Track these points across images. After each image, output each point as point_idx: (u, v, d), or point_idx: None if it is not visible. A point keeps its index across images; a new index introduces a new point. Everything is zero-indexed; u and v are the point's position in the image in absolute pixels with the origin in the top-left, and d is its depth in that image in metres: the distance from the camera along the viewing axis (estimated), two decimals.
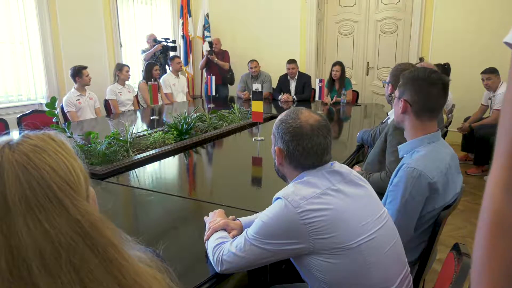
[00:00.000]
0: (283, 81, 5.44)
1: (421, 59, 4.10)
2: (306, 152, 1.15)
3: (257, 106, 2.60)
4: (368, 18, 6.02)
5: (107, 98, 4.60)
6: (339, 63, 5.08)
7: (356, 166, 2.27)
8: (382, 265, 1.11)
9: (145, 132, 2.94)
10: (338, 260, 1.06)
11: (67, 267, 0.50)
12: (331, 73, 5.11)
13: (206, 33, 6.50)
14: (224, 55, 6.04)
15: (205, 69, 6.21)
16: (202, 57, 6.67)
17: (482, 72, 4.38)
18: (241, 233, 1.19)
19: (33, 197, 0.51)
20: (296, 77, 5.37)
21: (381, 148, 2.06)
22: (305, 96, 5.30)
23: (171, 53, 6.00)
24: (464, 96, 4.91)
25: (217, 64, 5.94)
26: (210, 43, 6.03)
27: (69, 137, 2.40)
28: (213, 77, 4.86)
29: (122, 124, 2.90)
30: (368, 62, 6.15)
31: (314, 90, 5.11)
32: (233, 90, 6.00)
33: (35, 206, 0.51)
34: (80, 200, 0.54)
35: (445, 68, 4.20)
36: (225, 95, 6.00)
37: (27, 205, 0.50)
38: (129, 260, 0.56)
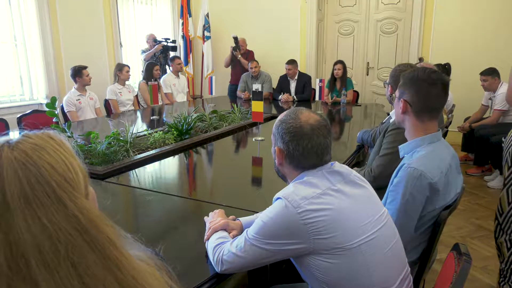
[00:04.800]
0: (283, 81, 5.44)
1: (421, 59, 4.10)
2: (306, 152, 1.15)
3: (257, 106, 2.60)
4: (368, 18, 6.02)
5: (107, 98, 4.60)
6: (340, 62, 5.08)
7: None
8: (382, 265, 1.11)
9: (145, 132, 2.94)
10: (338, 260, 1.06)
11: (66, 263, 0.50)
12: (332, 72, 5.11)
13: (206, 33, 6.50)
14: (248, 55, 5.94)
15: (230, 67, 6.10)
16: (202, 57, 6.68)
17: (480, 73, 4.39)
18: (241, 233, 1.19)
19: (32, 193, 0.51)
20: (296, 77, 5.37)
21: (381, 147, 2.07)
22: (305, 96, 5.29)
23: (171, 53, 6.00)
24: (464, 96, 4.91)
25: (240, 61, 5.87)
26: (236, 39, 5.83)
27: (69, 137, 2.40)
28: (214, 77, 4.87)
29: (122, 124, 2.90)
30: (368, 62, 6.15)
31: (314, 90, 5.12)
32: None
33: (34, 203, 0.51)
34: (79, 197, 0.55)
35: (445, 68, 4.19)
36: None
37: (26, 201, 0.51)
38: (127, 258, 0.56)
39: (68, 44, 4.92)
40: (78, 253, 0.51)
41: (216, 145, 2.93)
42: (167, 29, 6.71)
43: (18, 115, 3.75)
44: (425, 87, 1.45)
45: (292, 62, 5.29)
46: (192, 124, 2.96)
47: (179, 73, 5.46)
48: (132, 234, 0.65)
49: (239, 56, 5.85)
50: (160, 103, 4.81)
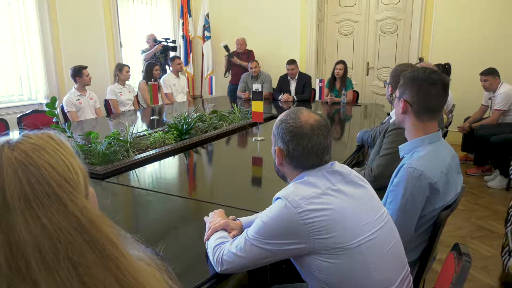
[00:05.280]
0: (283, 81, 5.44)
1: (421, 59, 4.11)
2: (306, 152, 1.15)
3: (257, 106, 2.60)
4: (368, 18, 6.02)
5: (107, 98, 4.60)
6: (342, 62, 5.09)
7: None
8: (382, 265, 1.11)
9: (145, 132, 2.94)
10: (338, 260, 1.06)
11: (65, 263, 0.50)
12: (333, 72, 5.11)
13: (206, 33, 6.50)
14: (249, 55, 5.97)
15: (230, 71, 6.15)
16: (202, 57, 6.69)
17: (480, 73, 4.39)
18: (241, 233, 1.19)
19: (32, 193, 0.51)
20: (296, 77, 5.37)
21: (381, 147, 2.07)
22: (305, 96, 5.30)
23: (171, 53, 6.00)
24: (464, 96, 4.91)
25: (240, 64, 5.89)
26: (226, 47, 5.91)
27: (69, 137, 2.40)
28: (214, 77, 4.87)
29: (122, 124, 2.90)
30: (368, 62, 6.15)
31: (314, 90, 5.12)
32: None
33: (34, 203, 0.51)
34: (79, 197, 0.55)
35: (445, 68, 4.19)
36: None
37: (26, 201, 0.51)
38: (127, 258, 0.56)
39: (68, 44, 4.92)
40: (78, 253, 0.51)
41: (216, 145, 2.93)
42: (167, 29, 6.71)
43: (18, 115, 3.75)
44: (425, 87, 1.45)
45: (293, 62, 5.31)
46: (192, 124, 2.96)
47: (179, 73, 5.46)
48: (132, 234, 0.65)
49: (238, 62, 5.87)
50: (160, 103, 4.80)
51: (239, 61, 5.88)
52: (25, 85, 4.70)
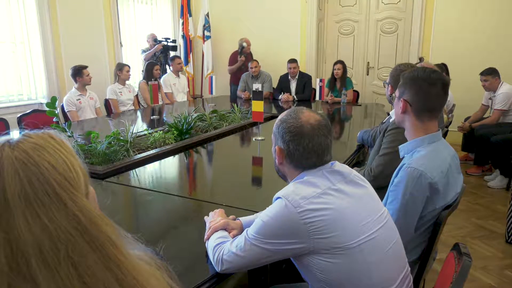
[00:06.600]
0: (284, 80, 5.44)
1: (421, 59, 4.10)
2: (306, 152, 1.15)
3: (258, 106, 2.60)
4: (369, 18, 6.02)
5: (107, 97, 4.60)
6: (340, 62, 5.10)
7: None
8: (382, 265, 1.11)
9: (146, 132, 2.94)
10: (338, 259, 1.06)
11: (66, 262, 0.50)
12: (332, 72, 5.13)
13: (206, 33, 6.50)
14: (251, 56, 5.98)
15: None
16: (203, 57, 6.68)
17: (480, 73, 4.38)
18: (241, 232, 1.19)
19: (32, 192, 0.51)
20: (296, 77, 5.37)
21: (381, 146, 2.07)
22: (305, 95, 5.30)
23: (172, 53, 6.00)
24: (464, 96, 4.91)
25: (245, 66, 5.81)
26: (242, 48, 5.81)
27: (70, 136, 2.40)
28: (214, 77, 4.87)
29: (123, 123, 2.90)
30: (368, 62, 6.15)
31: (315, 89, 5.12)
32: None
33: (34, 202, 0.51)
34: (79, 197, 0.55)
35: (445, 68, 4.19)
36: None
37: (26, 200, 0.51)
38: (127, 257, 0.56)
39: (68, 44, 4.92)
40: (78, 252, 0.51)
41: (216, 145, 2.93)
42: (167, 28, 6.71)
43: (19, 115, 3.75)
44: (425, 87, 1.45)
45: (294, 61, 5.33)
46: (192, 124, 2.96)
47: (179, 73, 5.46)
48: (132, 234, 0.65)
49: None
50: (160, 103, 4.80)
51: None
52: (25, 84, 4.70)
